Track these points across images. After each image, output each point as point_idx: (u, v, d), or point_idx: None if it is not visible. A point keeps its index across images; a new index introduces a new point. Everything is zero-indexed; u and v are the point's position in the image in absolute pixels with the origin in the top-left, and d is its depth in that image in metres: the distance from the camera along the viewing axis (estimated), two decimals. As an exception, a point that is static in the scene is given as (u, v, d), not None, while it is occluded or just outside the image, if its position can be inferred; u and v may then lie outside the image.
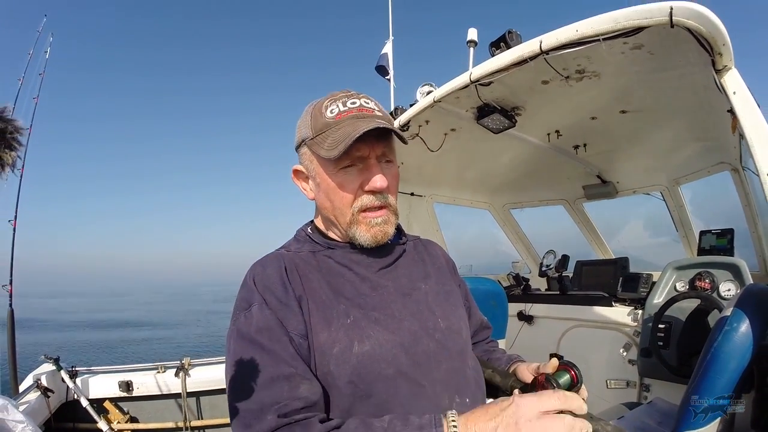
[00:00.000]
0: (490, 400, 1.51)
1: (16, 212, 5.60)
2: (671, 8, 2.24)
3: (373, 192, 1.56)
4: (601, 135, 4.41)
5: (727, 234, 4.51)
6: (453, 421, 1.21)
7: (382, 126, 1.49)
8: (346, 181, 1.55)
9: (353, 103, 1.57)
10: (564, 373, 1.50)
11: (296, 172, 1.72)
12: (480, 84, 3.29)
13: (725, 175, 4.51)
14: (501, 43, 3.08)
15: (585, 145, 4.68)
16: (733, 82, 2.33)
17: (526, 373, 1.69)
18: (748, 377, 2.50)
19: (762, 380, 2.70)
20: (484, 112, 3.75)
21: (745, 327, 2.34)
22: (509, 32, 3.05)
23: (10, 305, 5.33)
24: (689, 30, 2.25)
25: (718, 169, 4.61)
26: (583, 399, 1.37)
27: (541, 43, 2.75)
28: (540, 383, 1.49)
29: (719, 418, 2.40)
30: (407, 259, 1.76)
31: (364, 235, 1.58)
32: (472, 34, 3.61)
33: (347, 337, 1.43)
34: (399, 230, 1.80)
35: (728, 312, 2.44)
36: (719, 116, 3.02)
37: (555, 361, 1.58)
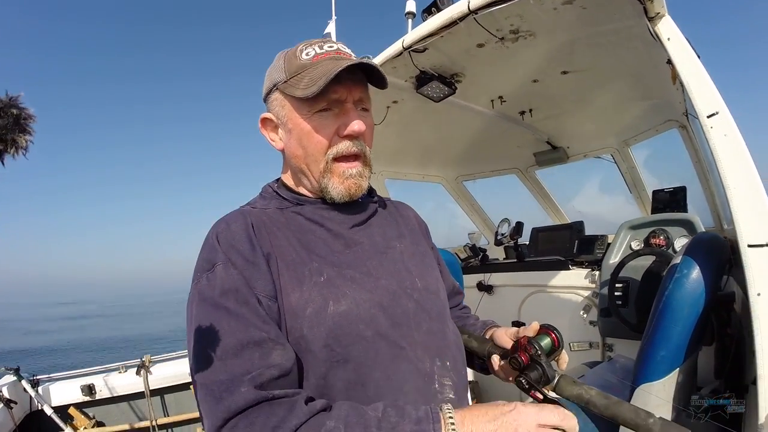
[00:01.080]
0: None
1: None
2: None
3: (350, 137, 1.50)
4: (546, 99, 4.36)
5: (679, 192, 4.52)
6: (450, 417, 1.16)
7: (366, 62, 1.45)
8: (322, 125, 1.48)
9: (330, 46, 1.51)
10: (545, 336, 1.49)
11: (264, 120, 1.61)
12: (414, 51, 3.22)
13: (674, 133, 4.51)
14: (432, 8, 3.02)
15: (531, 111, 4.64)
16: (667, 29, 2.27)
17: (505, 338, 1.66)
18: (707, 327, 2.48)
19: (721, 330, 2.68)
20: (422, 80, 3.66)
21: (696, 273, 2.32)
22: None
23: None
24: None
25: (666, 127, 4.60)
26: (566, 362, 1.50)
27: (468, 2, 2.67)
28: (522, 345, 1.45)
29: (678, 368, 2.36)
30: (380, 217, 1.71)
31: (338, 187, 1.52)
32: (410, 6, 3.54)
33: (321, 296, 1.36)
34: (371, 189, 1.75)
35: (678, 260, 2.42)
36: (661, 71, 2.98)
37: (536, 325, 1.55)
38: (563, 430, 1.19)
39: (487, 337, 1.76)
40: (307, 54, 1.49)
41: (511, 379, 1.55)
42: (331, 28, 5.41)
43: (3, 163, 0.80)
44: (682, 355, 2.34)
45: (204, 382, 1.22)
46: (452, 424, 1.14)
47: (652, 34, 2.39)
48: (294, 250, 1.43)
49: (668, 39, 2.25)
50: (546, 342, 1.45)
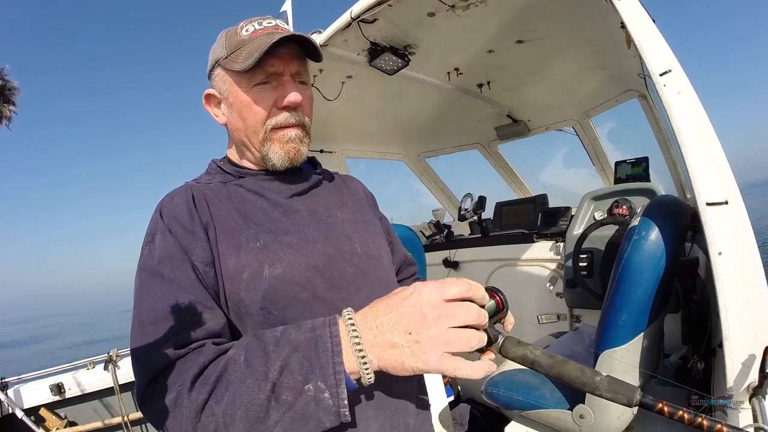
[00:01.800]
0: None
1: None
2: None
3: (287, 109, 1.52)
4: (503, 70, 4.31)
5: (642, 162, 4.53)
6: (350, 318, 1.13)
7: (297, 34, 1.48)
8: (260, 97, 1.51)
9: (269, 23, 1.55)
10: (488, 298, 1.42)
11: (208, 96, 1.63)
12: (363, 21, 3.16)
13: (634, 103, 4.51)
14: None
15: (489, 83, 4.59)
16: None
17: None
18: (670, 292, 2.44)
19: (686, 296, 2.65)
20: (374, 53, 3.61)
21: (654, 235, 2.28)
22: None
23: None
24: None
25: (626, 98, 4.59)
26: (511, 324, 1.46)
27: None
28: None
29: (642, 333, 2.33)
30: (323, 188, 1.71)
31: (278, 152, 1.55)
32: None
33: (257, 260, 1.37)
34: (315, 162, 1.79)
35: (636, 222, 2.39)
36: (616, 37, 2.94)
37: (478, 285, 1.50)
38: (472, 300, 1.14)
39: None
40: (246, 30, 1.53)
41: None
42: (287, 5, 5.31)
43: None
44: (645, 319, 2.31)
45: (133, 348, 1.23)
46: (352, 323, 1.11)
47: None
48: (233, 219, 1.45)
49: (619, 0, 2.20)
50: (490, 304, 1.39)
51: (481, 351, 1.32)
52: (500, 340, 1.34)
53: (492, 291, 1.43)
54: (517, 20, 3.35)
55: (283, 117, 1.52)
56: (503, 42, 3.73)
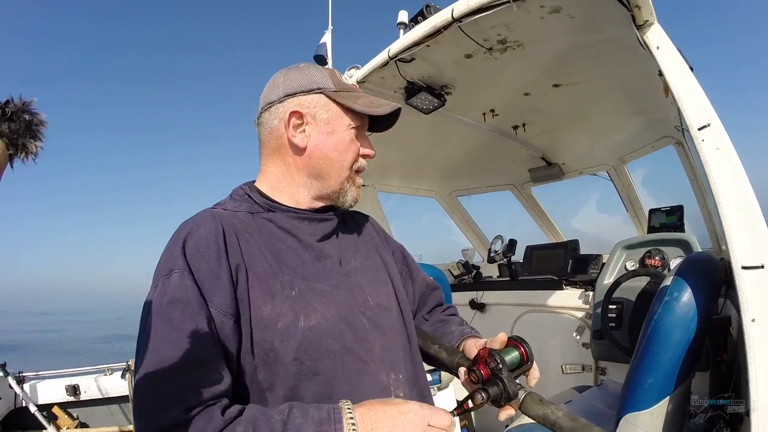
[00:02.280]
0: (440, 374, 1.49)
1: None
2: None
3: (367, 157, 1.68)
4: (539, 113, 4.28)
5: (676, 211, 4.43)
6: (350, 417, 1.19)
7: (395, 111, 1.65)
8: (356, 140, 1.62)
9: (351, 82, 1.65)
10: (513, 349, 1.41)
11: (298, 114, 1.58)
12: (401, 61, 3.16)
13: (670, 150, 4.41)
14: (419, 17, 2.99)
15: (524, 125, 4.55)
16: (656, 37, 2.20)
17: (473, 350, 1.61)
18: (700, 352, 2.37)
19: (716, 355, 2.57)
20: (411, 91, 3.61)
21: (687, 296, 2.23)
22: (427, 6, 2.96)
23: None
24: None
25: (662, 144, 4.50)
26: (536, 378, 1.49)
27: (452, 10, 2.62)
28: (482, 358, 1.38)
29: (668, 396, 2.25)
30: (342, 230, 1.75)
31: (353, 194, 1.65)
32: (402, 16, 3.49)
33: (292, 310, 1.38)
34: None
35: (668, 282, 2.32)
36: (654, 83, 2.90)
37: (503, 336, 1.49)
38: None
39: (460, 349, 1.72)
40: (346, 79, 1.68)
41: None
42: (327, 38, 5.33)
43: (12, 166, 0.83)
44: (672, 382, 2.24)
45: (138, 393, 1.21)
46: (352, 424, 1.18)
47: (641, 44, 2.31)
48: (266, 260, 1.44)
49: (657, 48, 2.18)
50: (513, 356, 1.39)
51: (499, 405, 1.31)
52: (521, 395, 1.31)
53: (516, 341, 1.40)
54: (555, 64, 3.33)
55: (363, 164, 1.66)
56: (540, 85, 3.70)
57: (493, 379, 1.35)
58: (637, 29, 2.27)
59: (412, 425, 1.20)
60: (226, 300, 1.31)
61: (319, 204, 1.64)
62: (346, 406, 1.22)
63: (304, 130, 1.58)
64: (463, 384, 1.63)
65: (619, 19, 2.45)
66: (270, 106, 1.59)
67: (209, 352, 1.25)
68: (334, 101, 1.57)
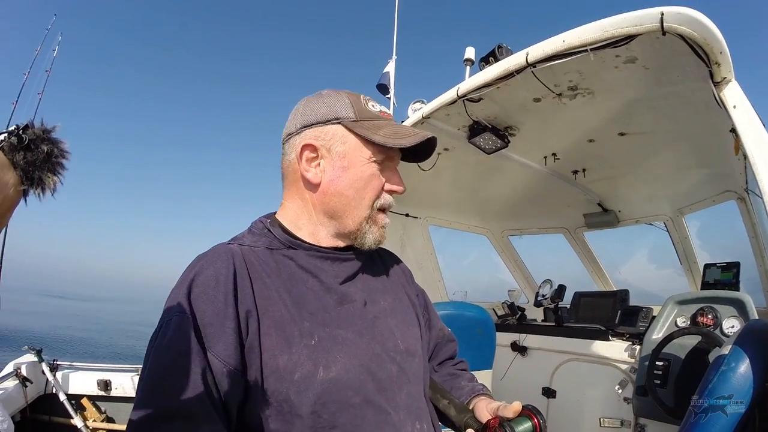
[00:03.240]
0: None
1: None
2: (662, 14, 2.10)
3: (393, 193, 1.53)
4: (601, 160, 4.25)
5: (732, 267, 4.31)
6: None
7: (433, 139, 1.52)
8: (377, 175, 1.48)
9: (382, 108, 1.57)
10: (525, 420, 1.32)
11: (311, 147, 1.48)
12: (469, 100, 3.17)
13: (731, 204, 4.33)
14: (490, 57, 2.99)
15: (584, 171, 4.53)
16: (733, 95, 2.17)
17: (484, 413, 1.53)
18: (748, 422, 2.30)
19: (764, 426, 2.50)
20: (475, 130, 3.61)
21: (744, 367, 2.13)
22: (499, 47, 2.97)
23: None
24: (683, 37, 2.10)
25: (723, 198, 4.42)
26: None
27: (527, 55, 2.61)
28: (491, 428, 1.30)
29: None
30: (368, 270, 1.62)
31: (375, 234, 1.51)
32: (470, 53, 3.51)
33: (311, 360, 1.28)
34: None
35: (726, 350, 2.25)
36: (722, 138, 2.85)
37: (517, 406, 1.39)
38: None
39: (470, 407, 1.64)
40: (373, 106, 1.52)
41: None
42: (390, 67, 5.35)
43: (26, 201, 0.78)
44: (718, 456, 2.16)
45: None
46: None
47: (717, 100, 2.27)
48: (284, 305, 1.35)
49: (734, 107, 2.15)
50: (525, 426, 1.30)
51: None
52: None
53: (531, 411, 1.33)
54: (623, 113, 3.30)
55: (389, 201, 1.51)
56: (605, 133, 3.68)
57: None
58: (714, 86, 2.24)
59: None
60: (228, 349, 1.24)
61: (341, 243, 1.53)
62: None
63: (318, 164, 1.48)
64: None
65: (695, 73, 2.45)
66: (289, 138, 1.51)
67: (202, 404, 1.18)
68: (353, 132, 1.45)
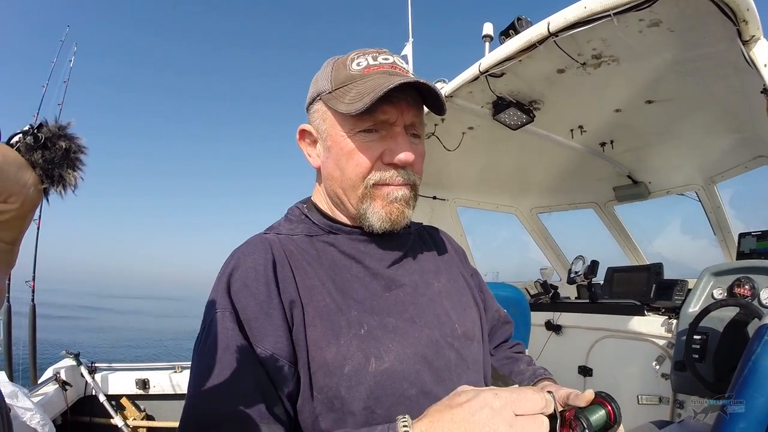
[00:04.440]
0: None
1: (40, 212, 5.50)
2: None
3: (395, 166, 1.33)
4: (628, 130, 4.18)
5: (768, 236, 4.19)
6: (404, 425, 0.98)
7: (422, 82, 1.27)
8: (365, 146, 1.31)
9: (386, 59, 1.36)
10: (599, 407, 1.24)
11: (303, 132, 1.46)
12: (491, 75, 3.12)
13: (764, 170, 4.24)
14: (510, 30, 2.94)
15: (612, 142, 4.45)
16: (763, 53, 2.11)
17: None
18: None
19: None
20: (499, 107, 3.56)
21: (790, 336, 2.04)
22: (518, 19, 2.92)
23: (32, 300, 5.46)
24: None
25: (756, 164, 4.32)
26: None
27: (548, 24, 2.56)
28: (567, 420, 1.24)
29: None
30: (417, 250, 1.52)
31: (379, 212, 1.34)
32: (488, 28, 3.45)
33: (361, 352, 1.20)
34: None
35: None
36: (753, 100, 2.78)
37: (589, 394, 1.30)
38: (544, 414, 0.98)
39: None
40: (358, 64, 1.34)
41: None
42: (407, 50, 5.28)
43: (48, 201, 0.75)
44: (763, 430, 2.08)
45: None
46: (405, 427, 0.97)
47: (746, 60, 2.21)
48: (328, 294, 1.27)
49: (765, 65, 2.07)
50: (599, 415, 1.22)
51: None
52: None
53: (604, 399, 1.26)
54: (649, 80, 3.24)
55: (389, 174, 1.33)
56: (632, 101, 3.62)
57: None
58: (743, 44, 2.19)
59: (493, 423, 0.91)
60: (279, 341, 1.18)
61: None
62: (402, 422, 0.99)
63: (315, 148, 1.45)
64: None
65: (722, 33, 2.38)
66: None
67: (254, 404, 1.12)
68: (327, 106, 1.35)
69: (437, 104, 1.35)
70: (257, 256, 1.28)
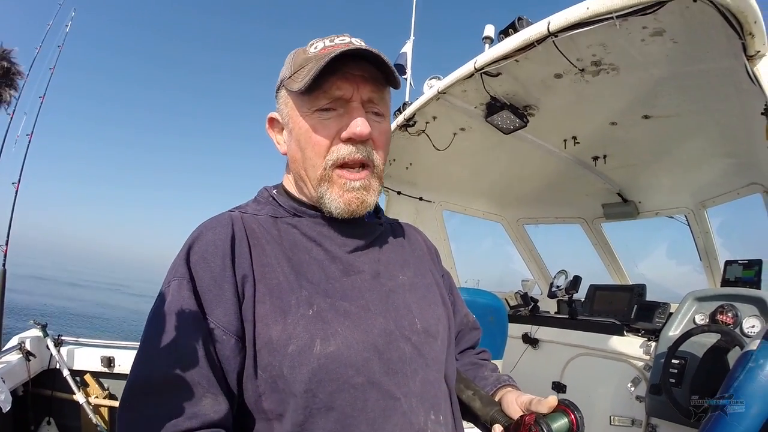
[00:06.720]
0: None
1: (20, 175, 5.57)
2: None
3: (352, 141, 1.29)
4: (623, 145, 4.14)
5: (754, 265, 4.16)
6: None
7: (365, 49, 1.24)
8: (321, 125, 1.29)
9: (342, 40, 1.33)
10: (562, 415, 1.20)
11: (271, 120, 1.47)
12: (487, 74, 3.07)
13: (757, 198, 4.22)
14: (509, 29, 2.87)
15: (605, 157, 4.41)
16: None
17: (514, 406, 1.39)
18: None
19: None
20: (493, 108, 3.51)
21: (774, 365, 2.01)
22: (519, 18, 2.86)
23: (3, 265, 5.20)
24: (714, 4, 1.96)
25: (749, 191, 4.31)
26: None
27: (549, 23, 2.50)
28: (526, 425, 1.19)
29: None
30: (386, 242, 1.49)
31: (336, 200, 1.31)
32: (489, 30, 3.39)
33: (307, 332, 1.17)
34: (377, 208, 1.52)
35: (754, 346, 2.13)
36: (752, 125, 2.72)
37: (553, 399, 1.26)
38: None
39: (496, 399, 1.49)
40: (315, 47, 1.33)
41: None
42: (407, 48, 5.19)
43: None
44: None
45: (124, 407, 1.12)
46: None
47: (750, 76, 2.15)
48: (282, 272, 1.25)
49: None
50: (561, 423, 1.18)
51: None
52: None
53: (567, 407, 1.21)
54: (648, 94, 3.19)
55: (347, 150, 1.29)
56: (629, 115, 3.57)
57: None
58: (747, 60, 2.13)
59: None
60: (228, 314, 1.17)
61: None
62: None
63: (282, 135, 1.45)
64: None
65: (727, 48, 2.34)
66: None
67: (205, 374, 1.12)
68: (287, 90, 1.35)
69: (391, 77, 1.32)
70: (218, 231, 1.28)
